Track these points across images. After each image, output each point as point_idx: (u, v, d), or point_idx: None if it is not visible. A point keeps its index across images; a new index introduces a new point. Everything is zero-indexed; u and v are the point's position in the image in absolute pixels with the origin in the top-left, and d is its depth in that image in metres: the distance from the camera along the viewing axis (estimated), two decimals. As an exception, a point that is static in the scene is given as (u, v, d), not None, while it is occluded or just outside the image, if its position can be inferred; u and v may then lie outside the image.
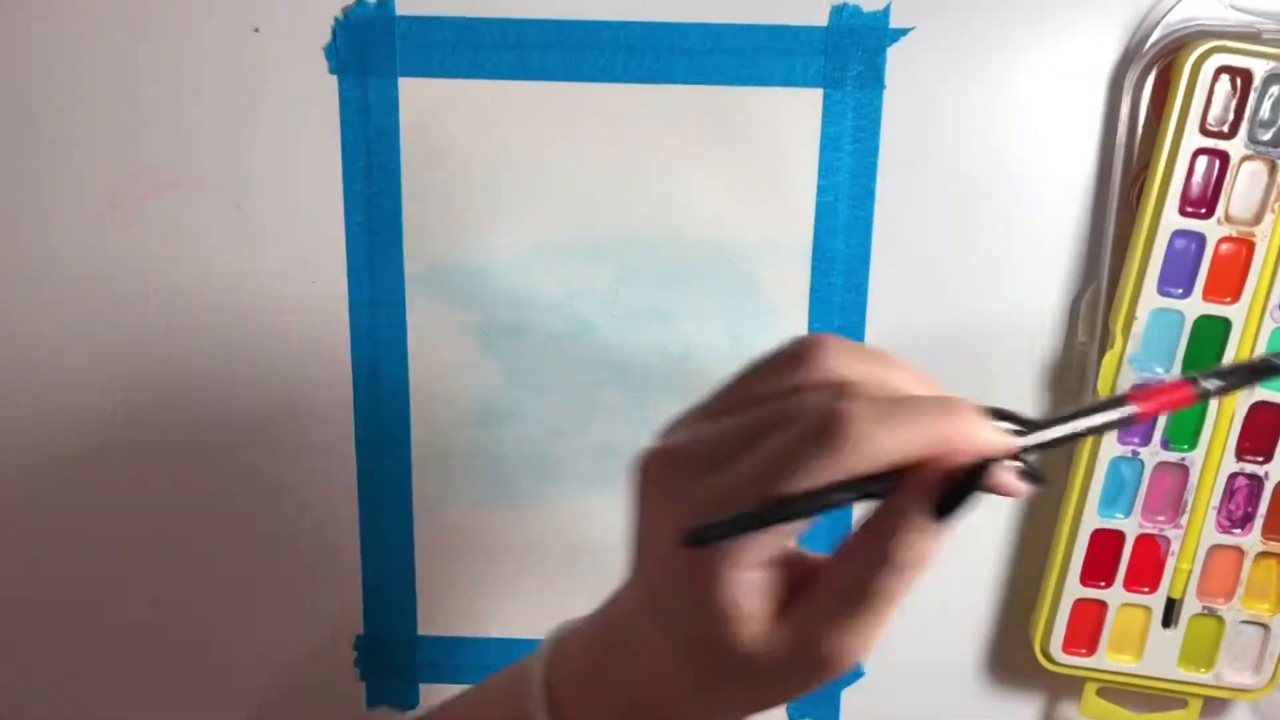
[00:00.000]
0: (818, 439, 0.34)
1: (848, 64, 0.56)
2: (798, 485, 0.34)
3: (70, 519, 0.62)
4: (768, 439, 0.35)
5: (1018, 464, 0.35)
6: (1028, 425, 0.37)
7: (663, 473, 0.37)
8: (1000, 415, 0.37)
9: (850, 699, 0.64)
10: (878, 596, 0.35)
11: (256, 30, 0.57)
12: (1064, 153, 0.57)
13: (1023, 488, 0.35)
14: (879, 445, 0.34)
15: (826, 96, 0.57)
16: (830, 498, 0.34)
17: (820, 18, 0.56)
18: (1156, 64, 0.55)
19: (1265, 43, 0.52)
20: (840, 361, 0.36)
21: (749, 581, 0.36)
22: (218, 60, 0.57)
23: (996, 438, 0.35)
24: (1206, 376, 0.40)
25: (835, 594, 0.36)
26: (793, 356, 0.37)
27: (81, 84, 0.57)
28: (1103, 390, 0.56)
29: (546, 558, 0.62)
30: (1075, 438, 0.38)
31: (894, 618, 0.34)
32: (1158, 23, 0.54)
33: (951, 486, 0.34)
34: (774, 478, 0.34)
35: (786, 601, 0.36)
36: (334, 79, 0.57)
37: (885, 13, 0.56)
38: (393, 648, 0.64)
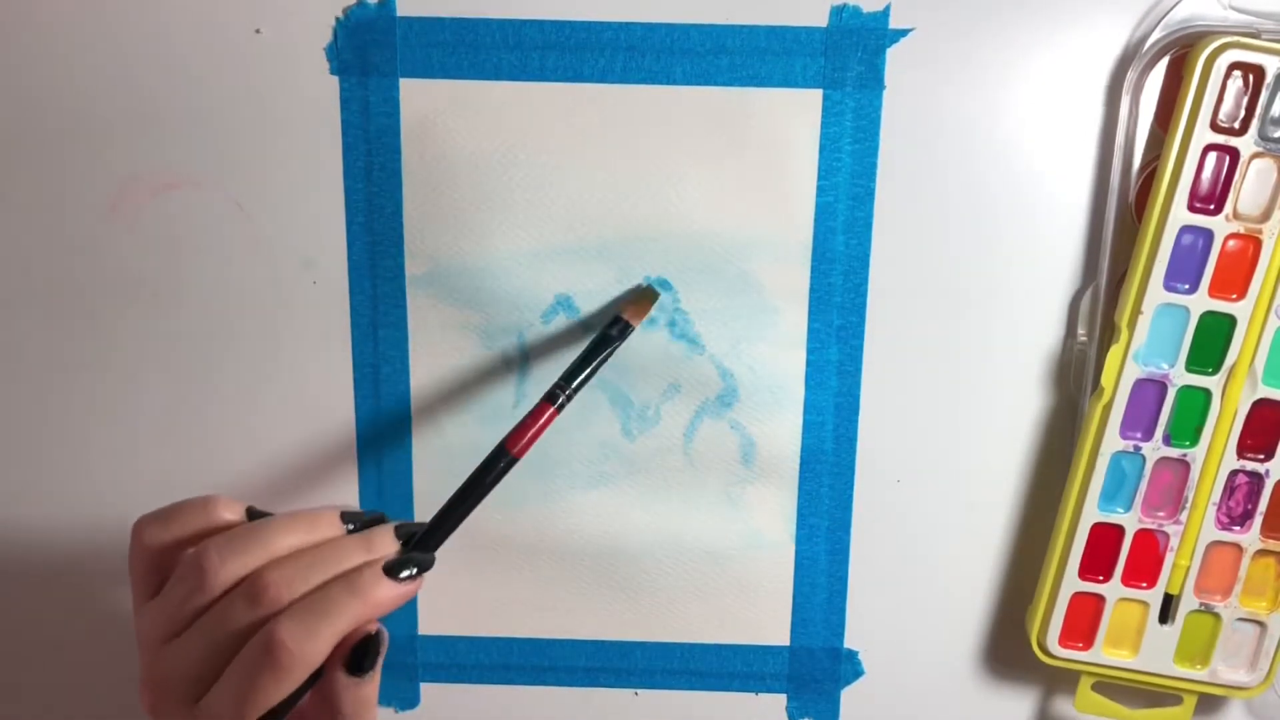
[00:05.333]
0: (269, 668, 0.40)
1: (848, 64, 0.54)
2: (269, 703, 0.41)
3: (69, 520, 0.60)
4: (229, 667, 0.41)
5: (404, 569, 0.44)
6: (428, 529, 0.46)
7: (162, 709, 0.43)
8: (400, 530, 0.45)
9: (849, 693, 0.61)
10: None
11: (258, 31, 0.54)
12: (1063, 152, 0.54)
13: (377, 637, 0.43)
14: (315, 653, 0.41)
15: (826, 97, 0.54)
16: (298, 697, 0.42)
17: (820, 18, 0.53)
18: (1156, 64, 0.53)
19: (1269, 42, 0.50)
20: (235, 563, 0.42)
21: None
22: (219, 60, 0.55)
23: (398, 592, 0.43)
24: (559, 386, 0.51)
25: None
26: (194, 568, 0.42)
27: (82, 84, 0.55)
28: (1105, 384, 0.53)
29: (546, 558, 0.60)
30: (468, 510, 0.47)
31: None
32: (1158, 23, 0.52)
33: (354, 652, 0.42)
34: (251, 705, 0.41)
35: None
36: (335, 79, 0.55)
37: (885, 13, 0.53)
38: (393, 647, 0.61)
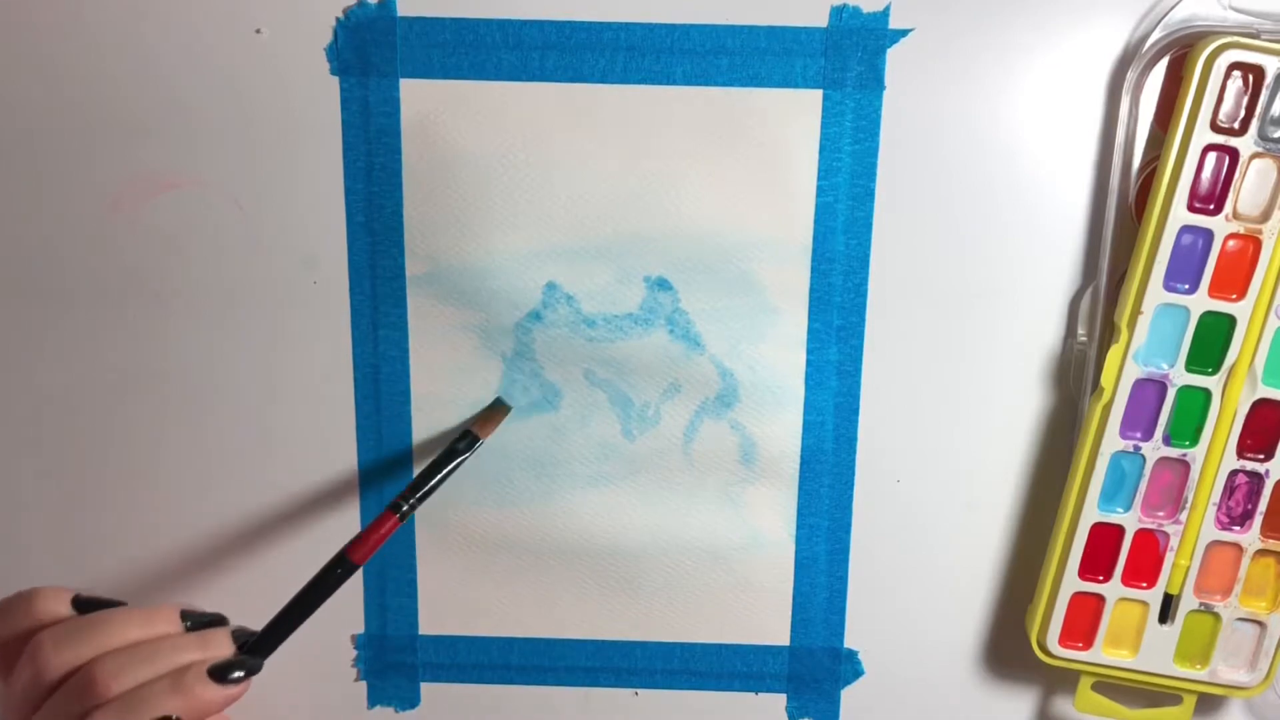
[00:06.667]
0: None
1: (848, 65, 0.54)
2: None
3: (69, 517, 0.60)
4: None
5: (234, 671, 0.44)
6: (262, 634, 0.47)
7: None
8: (237, 634, 0.46)
9: (849, 693, 0.61)
10: None
11: (258, 31, 0.54)
12: (1063, 152, 0.54)
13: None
14: None
15: (826, 97, 0.54)
16: None
17: (820, 18, 0.53)
18: (1156, 64, 0.53)
19: (1269, 42, 0.50)
20: (67, 655, 0.42)
21: None
22: (219, 60, 0.55)
23: (222, 695, 0.43)
24: (403, 497, 0.52)
25: None
26: (29, 660, 0.42)
27: (82, 83, 0.55)
28: (1105, 384, 0.53)
29: (546, 558, 0.60)
30: (304, 616, 0.48)
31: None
32: (1158, 23, 0.52)
33: None
34: None
35: None
36: (335, 80, 0.55)
37: (885, 13, 0.53)
38: (393, 647, 0.61)
